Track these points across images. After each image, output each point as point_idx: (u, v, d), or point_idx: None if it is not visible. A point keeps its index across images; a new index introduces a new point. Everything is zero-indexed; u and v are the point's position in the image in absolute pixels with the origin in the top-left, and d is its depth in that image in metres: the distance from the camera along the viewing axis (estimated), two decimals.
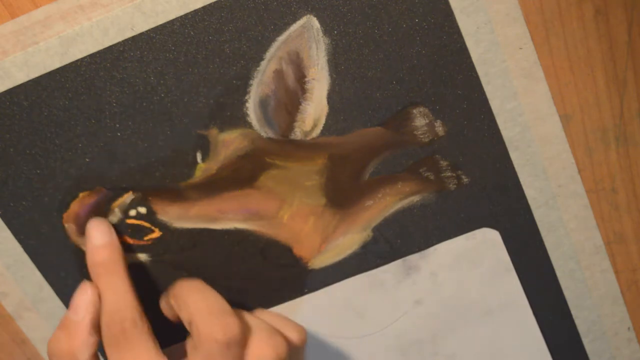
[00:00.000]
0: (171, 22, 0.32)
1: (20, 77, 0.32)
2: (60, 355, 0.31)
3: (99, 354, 0.32)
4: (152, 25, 0.32)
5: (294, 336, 0.33)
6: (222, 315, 0.30)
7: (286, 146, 0.34)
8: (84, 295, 0.32)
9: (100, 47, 0.32)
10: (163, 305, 0.34)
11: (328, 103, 0.34)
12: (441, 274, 0.38)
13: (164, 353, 0.31)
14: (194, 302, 0.31)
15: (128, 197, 0.35)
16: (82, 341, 0.31)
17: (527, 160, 0.35)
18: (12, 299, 0.36)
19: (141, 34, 0.32)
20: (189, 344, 0.32)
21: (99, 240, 0.33)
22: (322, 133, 0.34)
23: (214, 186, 0.35)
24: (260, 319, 0.33)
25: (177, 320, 0.33)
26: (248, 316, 0.32)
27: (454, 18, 0.32)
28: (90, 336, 0.31)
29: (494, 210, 0.36)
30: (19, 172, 0.34)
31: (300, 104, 0.34)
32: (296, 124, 0.34)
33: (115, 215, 0.35)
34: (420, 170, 0.35)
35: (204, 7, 0.32)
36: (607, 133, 0.35)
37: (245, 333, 0.31)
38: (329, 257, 0.37)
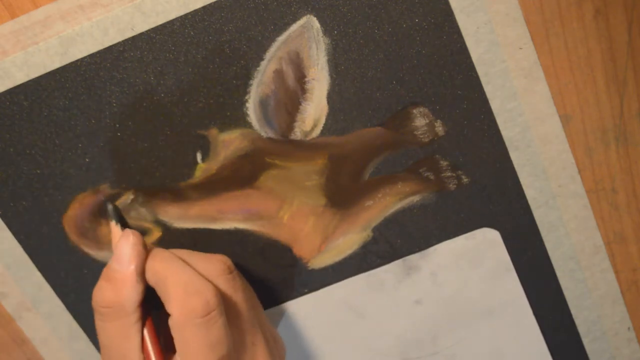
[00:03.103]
0: (171, 22, 0.32)
1: (20, 77, 0.32)
2: (106, 305, 0.31)
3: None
4: (152, 25, 0.32)
5: (218, 267, 0.32)
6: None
7: (286, 146, 0.34)
8: (126, 243, 0.31)
9: (100, 47, 0.32)
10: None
11: (328, 103, 0.34)
12: (441, 274, 0.38)
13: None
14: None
15: (128, 197, 0.35)
16: (129, 290, 0.31)
17: (527, 160, 0.35)
18: (12, 299, 0.36)
19: (141, 34, 0.32)
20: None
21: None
22: (322, 133, 0.34)
23: (214, 186, 0.35)
24: (182, 272, 0.31)
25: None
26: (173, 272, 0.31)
27: (454, 18, 0.32)
28: (138, 284, 0.31)
29: (494, 210, 0.36)
30: (19, 172, 0.34)
31: (300, 104, 0.34)
32: (296, 124, 0.34)
33: None
34: (420, 170, 0.35)
35: (204, 7, 0.32)
36: (607, 133, 0.35)
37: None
38: (329, 257, 0.37)
